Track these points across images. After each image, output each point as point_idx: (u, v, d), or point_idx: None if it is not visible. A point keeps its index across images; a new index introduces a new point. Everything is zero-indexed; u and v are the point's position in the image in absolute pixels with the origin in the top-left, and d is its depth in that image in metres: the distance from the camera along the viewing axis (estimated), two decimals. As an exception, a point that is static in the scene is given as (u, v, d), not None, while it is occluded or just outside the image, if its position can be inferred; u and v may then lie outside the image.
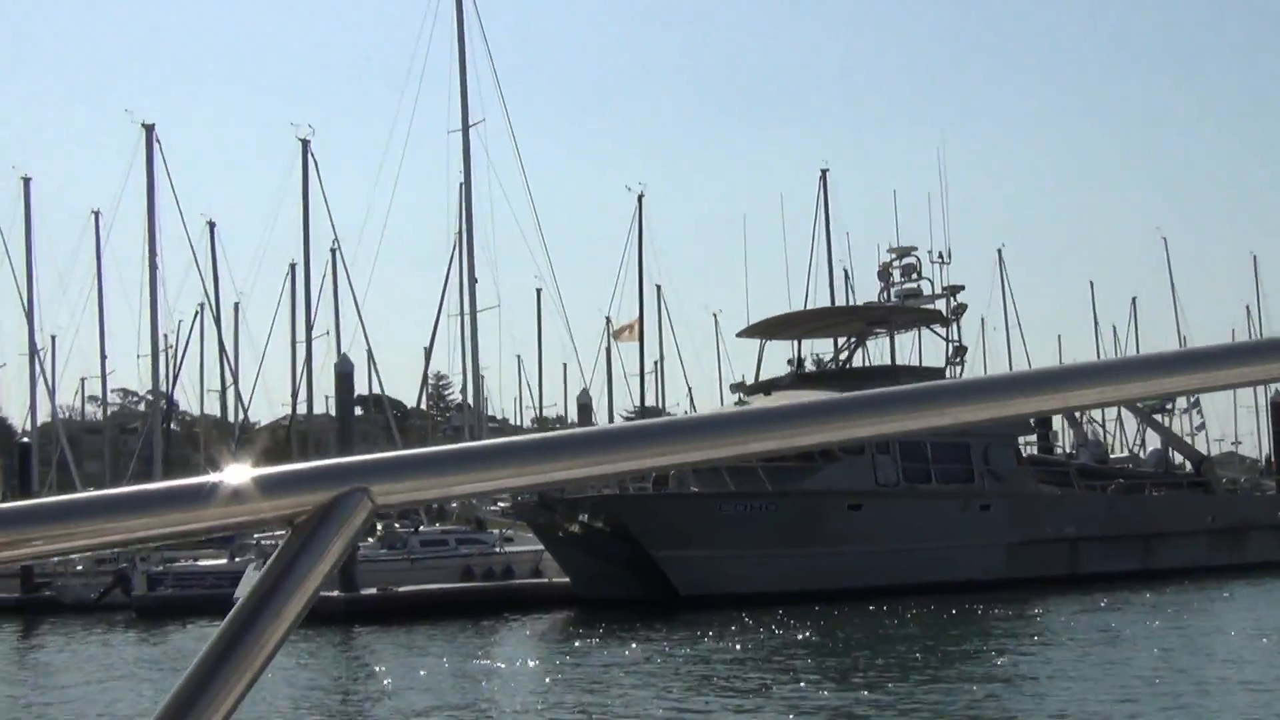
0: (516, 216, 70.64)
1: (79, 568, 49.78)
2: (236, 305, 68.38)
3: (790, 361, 41.45)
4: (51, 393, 64.64)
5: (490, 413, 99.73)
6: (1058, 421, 49.19)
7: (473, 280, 43.30)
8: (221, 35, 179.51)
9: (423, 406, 67.57)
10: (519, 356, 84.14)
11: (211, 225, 59.48)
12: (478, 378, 44.79)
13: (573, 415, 73.66)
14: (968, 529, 38.22)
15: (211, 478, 1.35)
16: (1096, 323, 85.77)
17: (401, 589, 37.67)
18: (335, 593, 37.18)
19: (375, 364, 66.96)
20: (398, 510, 32.41)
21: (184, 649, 34.11)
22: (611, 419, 69.56)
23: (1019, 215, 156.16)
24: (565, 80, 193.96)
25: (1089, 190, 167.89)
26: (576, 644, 31.27)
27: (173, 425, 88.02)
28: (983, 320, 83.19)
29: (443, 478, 1.41)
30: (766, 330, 42.76)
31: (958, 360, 40.76)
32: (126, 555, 48.04)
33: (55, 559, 50.64)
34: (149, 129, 56.13)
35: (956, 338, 41.13)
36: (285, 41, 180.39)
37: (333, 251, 64.52)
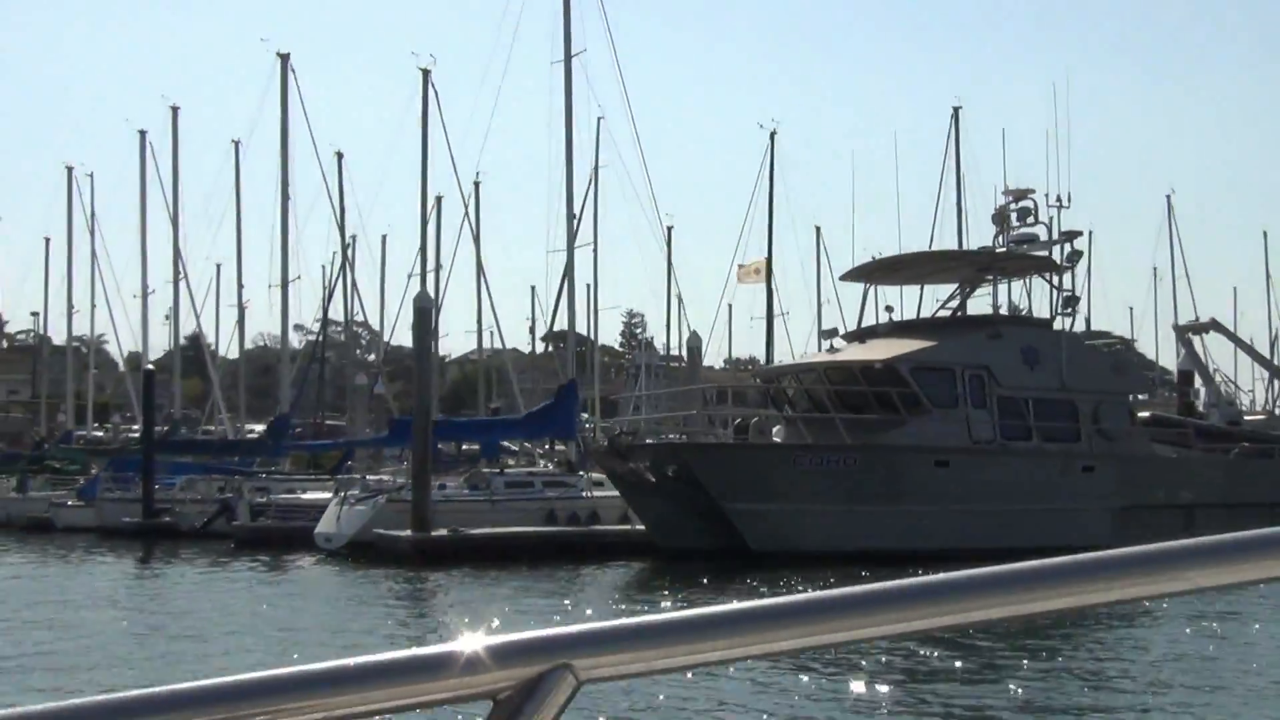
0: (620, 152, 68.69)
1: (198, 496, 50.08)
2: (384, 238, 68.12)
3: (888, 308, 39.14)
4: (182, 320, 65.22)
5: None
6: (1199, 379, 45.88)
7: (571, 215, 41.88)
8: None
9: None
10: (679, 296, 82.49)
11: (340, 156, 59.04)
12: (573, 313, 43.52)
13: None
14: (1068, 492, 35.63)
15: (410, 652, 1.37)
16: (1268, 274, 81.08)
17: (473, 531, 36.62)
18: (406, 532, 36.35)
19: (531, 300, 65.91)
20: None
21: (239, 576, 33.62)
22: (770, 359, 67.29)
23: (1183, 161, 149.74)
24: (683, 10, 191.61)
25: (1258, 133, 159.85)
26: (635, 597, 29.88)
27: (365, 357, 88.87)
28: (1154, 271, 79.24)
29: (650, 651, 1.38)
30: (870, 274, 40.38)
31: (1068, 311, 37.88)
32: (233, 484, 48.11)
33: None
34: (284, 58, 55.84)
35: (1070, 286, 38.36)
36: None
37: (475, 185, 63.93)
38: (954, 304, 39.69)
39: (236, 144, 61.78)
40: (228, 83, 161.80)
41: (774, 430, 36.82)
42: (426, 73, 50.65)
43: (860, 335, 38.65)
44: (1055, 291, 38.01)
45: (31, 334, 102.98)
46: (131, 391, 70.78)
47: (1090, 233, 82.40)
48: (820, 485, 33.49)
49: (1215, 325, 43.30)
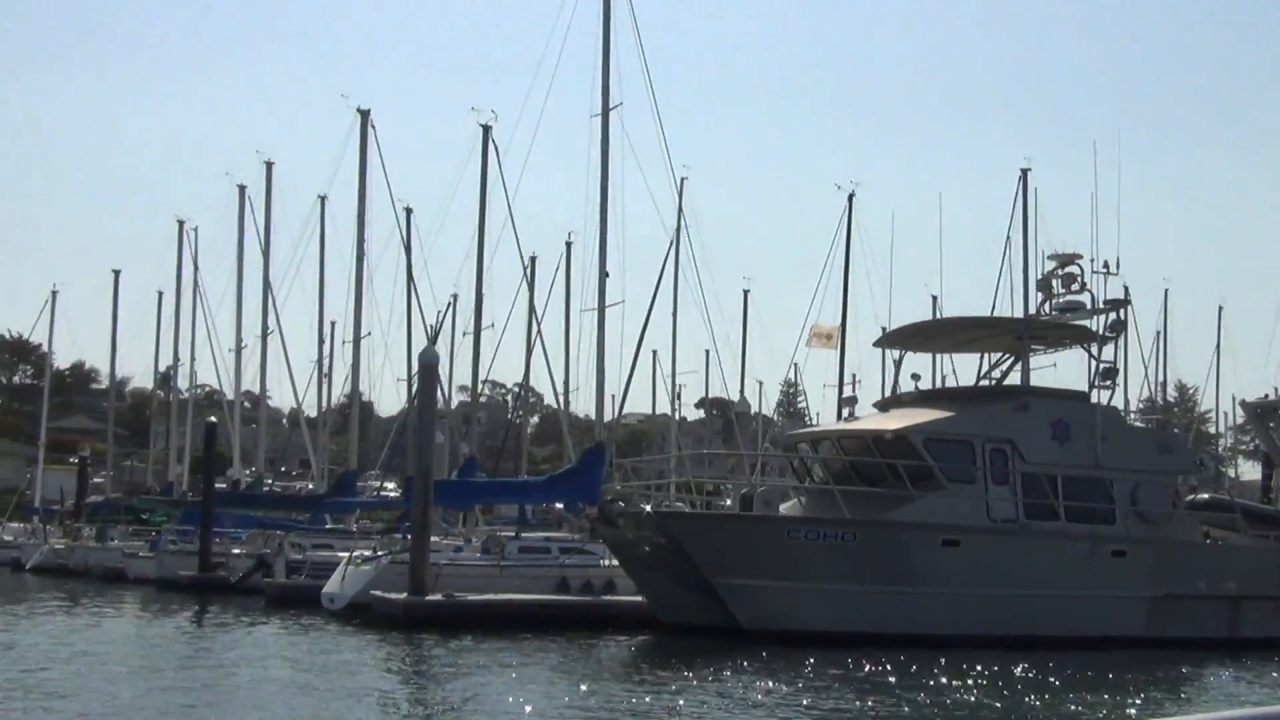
0: (659, 209, 67.72)
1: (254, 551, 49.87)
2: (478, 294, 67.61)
3: (914, 376, 37.16)
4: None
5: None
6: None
7: (604, 274, 40.77)
8: (411, 19, 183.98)
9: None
10: (795, 364, 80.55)
11: (408, 211, 58.73)
12: (602, 374, 42.13)
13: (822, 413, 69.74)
14: (1096, 578, 33.23)
15: None
16: None
17: (469, 597, 35.50)
18: (399, 595, 35.43)
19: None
20: None
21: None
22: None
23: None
24: (764, 73, 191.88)
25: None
26: (612, 675, 28.28)
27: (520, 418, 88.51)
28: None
29: None
30: (903, 340, 38.38)
31: (1107, 384, 35.55)
32: (273, 540, 47.76)
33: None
34: (364, 114, 55.86)
35: (1111, 358, 35.99)
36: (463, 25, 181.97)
37: (567, 245, 63.31)
38: (997, 374, 37.61)
39: (322, 199, 62.05)
40: (311, 138, 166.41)
41: (791, 503, 35.17)
42: (487, 129, 50.25)
43: (886, 404, 36.82)
44: (1095, 362, 35.71)
45: (205, 389, 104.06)
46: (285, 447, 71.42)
47: (1220, 308, 79.24)
48: (816, 562, 31.68)
49: (1285, 402, 40.35)
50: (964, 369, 41.97)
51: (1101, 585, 33.18)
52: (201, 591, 47.35)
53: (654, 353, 75.96)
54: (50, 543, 67.44)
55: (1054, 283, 37.14)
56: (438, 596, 35.27)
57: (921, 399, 35.87)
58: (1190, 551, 34.77)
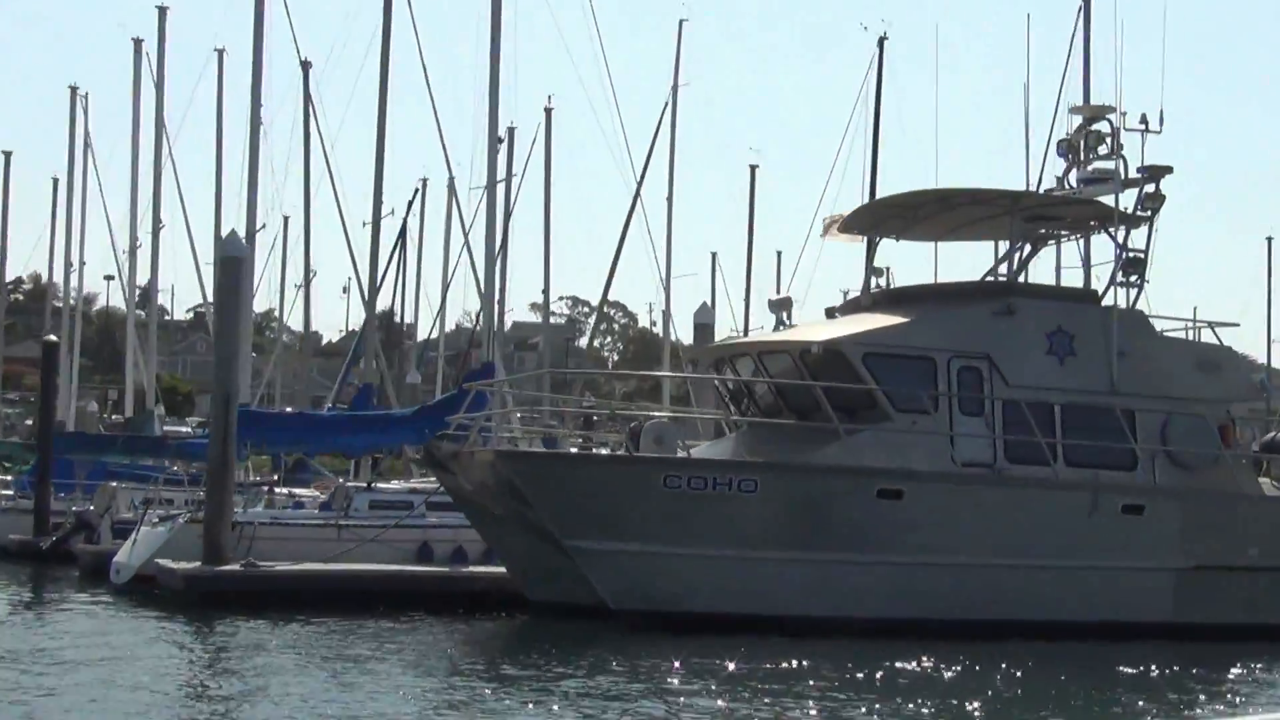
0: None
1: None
2: (450, 181, 63.40)
3: (876, 271, 32.10)
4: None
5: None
6: None
7: (495, 140, 36.53)
8: None
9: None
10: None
11: (306, 65, 53.96)
12: (492, 256, 38.13)
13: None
14: (1103, 542, 27.96)
15: None
16: None
17: (275, 567, 31.39)
18: (190, 564, 31.55)
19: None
20: None
21: None
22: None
23: None
24: None
25: None
26: (421, 682, 23.73)
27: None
28: None
29: None
30: (874, 223, 32.70)
31: (1132, 279, 30.33)
32: (102, 495, 44.04)
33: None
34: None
35: (1143, 245, 30.73)
36: None
37: (547, 112, 59.31)
38: (1005, 269, 32.52)
39: (220, 53, 57.89)
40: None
41: (732, 438, 30.65)
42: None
43: (841, 309, 32.06)
44: (1119, 250, 30.50)
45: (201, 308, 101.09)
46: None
47: None
48: (703, 520, 26.84)
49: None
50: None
51: (1111, 553, 28.12)
52: (36, 561, 43.90)
53: (713, 255, 71.85)
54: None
55: (1080, 146, 32.15)
56: (235, 567, 31.27)
57: (883, 301, 30.86)
58: (1236, 507, 29.59)
